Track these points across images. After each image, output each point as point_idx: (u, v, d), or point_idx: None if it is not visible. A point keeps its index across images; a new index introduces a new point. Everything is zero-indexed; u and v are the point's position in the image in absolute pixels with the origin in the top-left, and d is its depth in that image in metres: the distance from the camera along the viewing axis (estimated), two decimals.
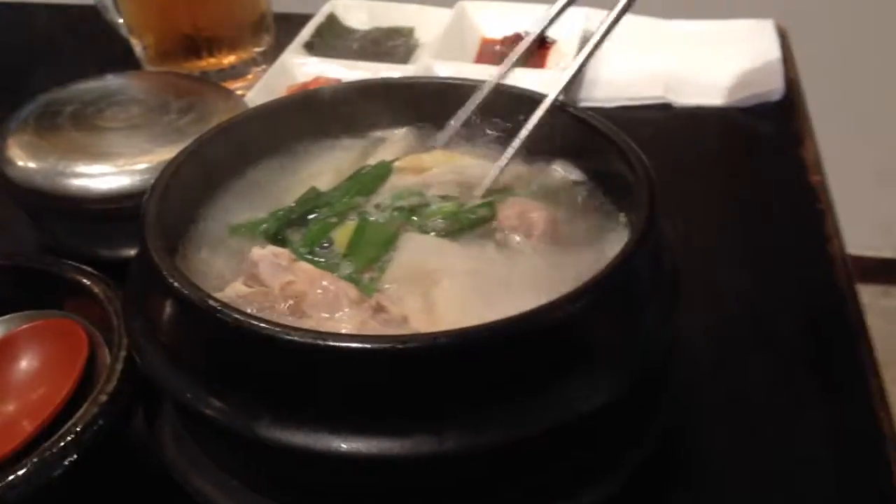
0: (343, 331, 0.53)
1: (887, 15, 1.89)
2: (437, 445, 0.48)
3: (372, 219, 0.63)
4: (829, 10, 1.81)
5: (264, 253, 0.57)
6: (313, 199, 0.65)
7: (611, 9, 0.69)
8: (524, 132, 0.66)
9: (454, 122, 0.70)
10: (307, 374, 0.49)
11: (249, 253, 0.57)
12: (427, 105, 0.72)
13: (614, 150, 0.62)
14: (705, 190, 0.88)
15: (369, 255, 0.60)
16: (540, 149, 0.69)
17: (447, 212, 0.63)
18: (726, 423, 0.65)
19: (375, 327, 0.53)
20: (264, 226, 0.63)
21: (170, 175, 0.61)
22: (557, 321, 0.50)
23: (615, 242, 0.62)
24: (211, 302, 0.50)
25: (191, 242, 0.63)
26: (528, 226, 0.63)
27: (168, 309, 0.53)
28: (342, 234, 0.62)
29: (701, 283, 0.66)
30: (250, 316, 0.49)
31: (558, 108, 0.67)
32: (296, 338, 0.48)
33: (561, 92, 0.67)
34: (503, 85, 0.71)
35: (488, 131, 0.72)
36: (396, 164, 0.69)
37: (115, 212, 0.78)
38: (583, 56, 0.68)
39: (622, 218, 0.64)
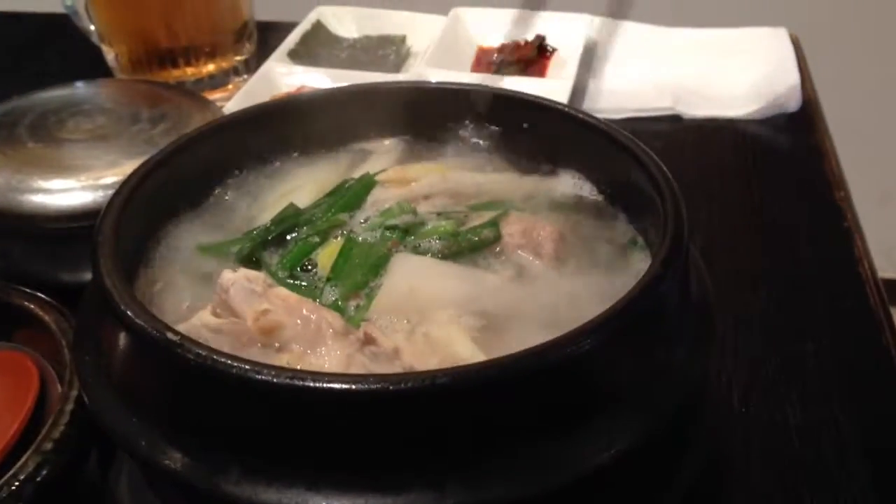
0: (326, 367, 0.46)
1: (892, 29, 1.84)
2: (436, 503, 0.41)
3: (359, 238, 0.56)
4: (833, 23, 1.76)
5: (236, 277, 0.49)
6: (292, 217, 0.58)
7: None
8: None
9: None
10: (282, 420, 0.42)
11: (219, 277, 0.50)
12: (419, 113, 0.65)
13: (632, 160, 0.55)
14: (721, 208, 0.81)
15: (356, 280, 0.53)
16: (546, 159, 0.62)
17: (445, 232, 0.56)
18: (759, 461, 0.58)
19: (363, 362, 0.45)
20: (237, 247, 0.56)
21: (129, 190, 0.54)
22: (573, 358, 0.43)
23: (635, 267, 0.55)
24: (169, 335, 0.43)
25: (153, 267, 0.56)
26: (534, 245, 0.56)
27: (121, 342, 0.46)
28: (326, 256, 0.55)
29: (722, 309, 0.59)
30: (216, 352, 0.42)
31: (567, 114, 0.61)
32: (269, 378, 0.40)
33: None
34: (498, 90, 0.65)
35: (477, 141, 0.65)
36: (380, 176, 0.62)
37: (77, 232, 0.70)
38: None
39: (639, 239, 0.57)
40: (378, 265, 0.53)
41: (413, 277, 0.52)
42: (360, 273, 0.53)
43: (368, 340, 0.47)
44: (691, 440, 0.52)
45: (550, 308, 0.51)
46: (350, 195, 0.60)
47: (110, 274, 0.47)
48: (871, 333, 0.67)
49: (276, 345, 0.48)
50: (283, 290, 0.49)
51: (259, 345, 0.47)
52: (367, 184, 0.61)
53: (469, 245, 0.56)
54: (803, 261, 0.75)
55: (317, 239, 0.56)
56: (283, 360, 0.47)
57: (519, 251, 0.56)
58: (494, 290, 0.52)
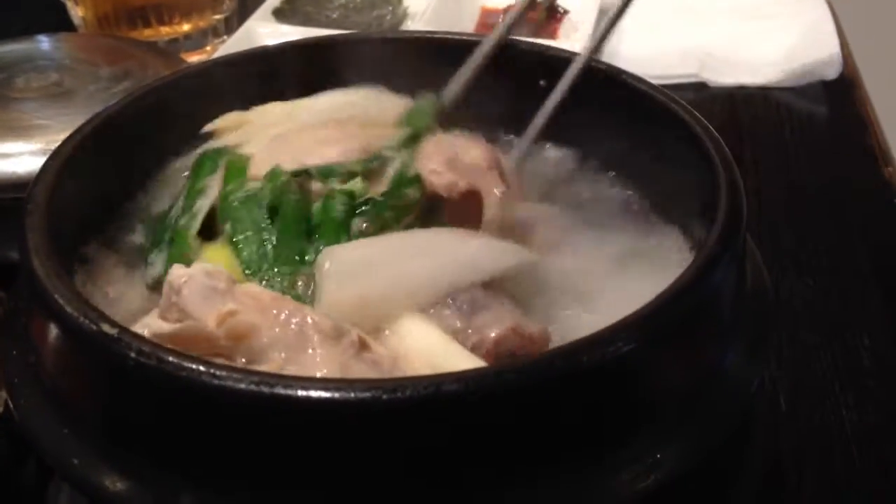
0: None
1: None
2: None
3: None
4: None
5: (191, 272, 0.39)
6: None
7: None
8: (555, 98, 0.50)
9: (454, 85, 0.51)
10: (245, 436, 0.33)
11: (168, 275, 0.40)
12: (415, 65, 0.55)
13: (677, 127, 0.47)
14: (755, 185, 0.73)
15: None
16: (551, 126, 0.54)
17: (351, 198, 0.45)
18: (813, 474, 0.50)
19: (362, 372, 0.36)
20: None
21: (68, 154, 0.45)
22: (610, 361, 0.34)
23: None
24: (105, 327, 0.34)
25: (100, 249, 0.47)
26: (470, 173, 0.45)
27: (52, 336, 0.38)
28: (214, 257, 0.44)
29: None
30: (163, 350, 0.33)
31: (591, 68, 0.52)
32: (229, 383, 0.32)
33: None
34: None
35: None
36: (208, 127, 0.51)
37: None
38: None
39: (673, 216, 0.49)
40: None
41: (356, 279, 0.40)
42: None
43: (364, 345, 0.38)
44: (744, 459, 0.44)
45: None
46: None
47: (38, 252, 0.39)
48: None
49: (248, 355, 0.38)
50: (253, 287, 0.39)
51: (223, 356, 0.37)
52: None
53: (395, 215, 0.44)
54: (852, 243, 0.66)
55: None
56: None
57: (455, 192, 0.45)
58: (473, 256, 0.42)
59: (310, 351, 0.36)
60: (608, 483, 0.35)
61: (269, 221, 0.43)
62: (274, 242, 0.43)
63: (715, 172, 0.43)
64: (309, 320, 0.37)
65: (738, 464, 0.44)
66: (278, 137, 0.48)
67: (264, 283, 0.41)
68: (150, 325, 0.37)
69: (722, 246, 0.38)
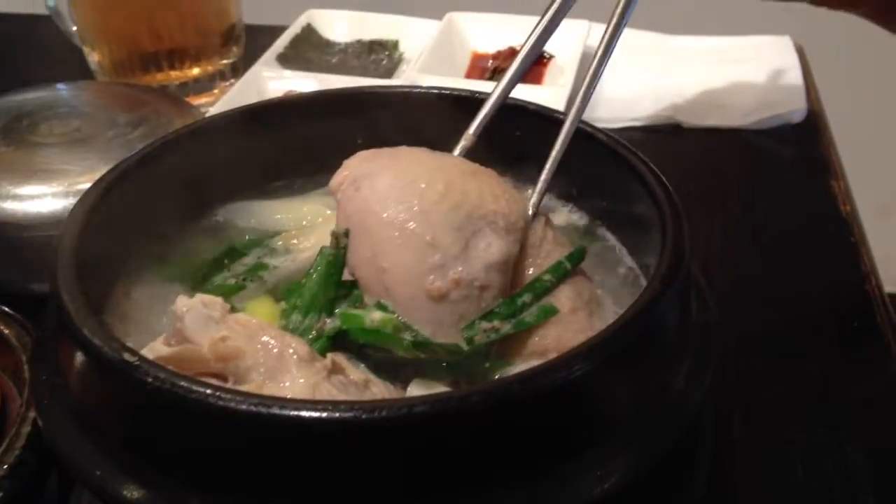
0: (290, 396, 0.42)
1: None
2: None
3: None
4: (833, 33, 1.73)
5: (191, 303, 0.45)
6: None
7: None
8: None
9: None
10: (246, 451, 0.39)
11: (174, 305, 0.46)
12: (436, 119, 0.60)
13: (628, 170, 0.52)
14: (723, 222, 0.78)
15: None
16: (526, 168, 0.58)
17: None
18: (761, 491, 0.55)
19: (330, 391, 0.42)
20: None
21: (95, 198, 0.51)
22: (564, 385, 0.40)
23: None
24: (126, 356, 0.40)
25: (125, 285, 0.52)
26: None
27: (78, 362, 0.43)
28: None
29: (723, 328, 0.56)
30: (175, 375, 0.39)
31: (554, 119, 0.58)
32: (232, 405, 0.37)
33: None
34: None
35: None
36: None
37: (49, 241, 0.66)
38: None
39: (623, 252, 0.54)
40: None
41: None
42: None
43: (336, 369, 0.43)
44: (690, 472, 0.49)
45: None
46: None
47: (68, 290, 0.44)
48: (881, 355, 0.64)
49: (235, 374, 0.44)
50: (242, 316, 0.45)
51: (216, 375, 0.43)
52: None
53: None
54: (808, 278, 0.71)
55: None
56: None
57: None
58: None
59: (287, 372, 0.42)
60: (561, 493, 0.40)
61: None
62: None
63: (663, 218, 0.48)
64: (288, 346, 0.43)
65: (687, 478, 0.49)
66: None
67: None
68: (153, 349, 0.43)
69: (663, 285, 0.43)
